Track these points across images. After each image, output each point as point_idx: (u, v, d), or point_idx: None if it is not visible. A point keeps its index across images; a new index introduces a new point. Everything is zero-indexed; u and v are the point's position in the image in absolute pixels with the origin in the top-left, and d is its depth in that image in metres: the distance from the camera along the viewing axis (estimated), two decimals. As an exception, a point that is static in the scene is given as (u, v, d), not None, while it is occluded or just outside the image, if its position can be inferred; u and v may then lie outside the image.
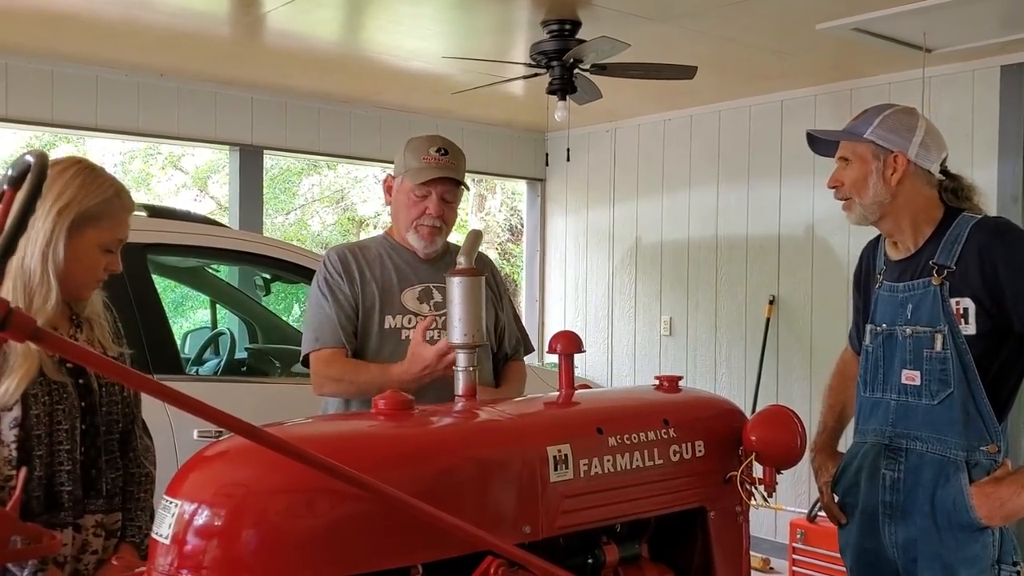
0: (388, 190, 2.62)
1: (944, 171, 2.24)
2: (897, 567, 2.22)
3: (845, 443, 2.44)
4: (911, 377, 2.18)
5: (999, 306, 2.08)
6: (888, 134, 2.19)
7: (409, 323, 2.50)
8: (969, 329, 2.10)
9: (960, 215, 2.18)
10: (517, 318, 2.79)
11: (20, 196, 1.27)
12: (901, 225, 2.23)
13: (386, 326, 2.49)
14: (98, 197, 1.85)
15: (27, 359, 1.77)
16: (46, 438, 1.81)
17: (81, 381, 1.89)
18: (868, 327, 2.31)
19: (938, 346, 2.13)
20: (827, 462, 2.40)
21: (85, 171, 1.87)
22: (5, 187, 1.35)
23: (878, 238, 2.38)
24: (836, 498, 2.36)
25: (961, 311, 2.10)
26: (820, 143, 2.34)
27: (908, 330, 2.19)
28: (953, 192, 2.22)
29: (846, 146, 2.25)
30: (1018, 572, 2.13)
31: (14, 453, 1.77)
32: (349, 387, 2.44)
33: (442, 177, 2.48)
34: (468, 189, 2.65)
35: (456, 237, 2.62)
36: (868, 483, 2.26)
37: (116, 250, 1.92)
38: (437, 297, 2.52)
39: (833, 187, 2.27)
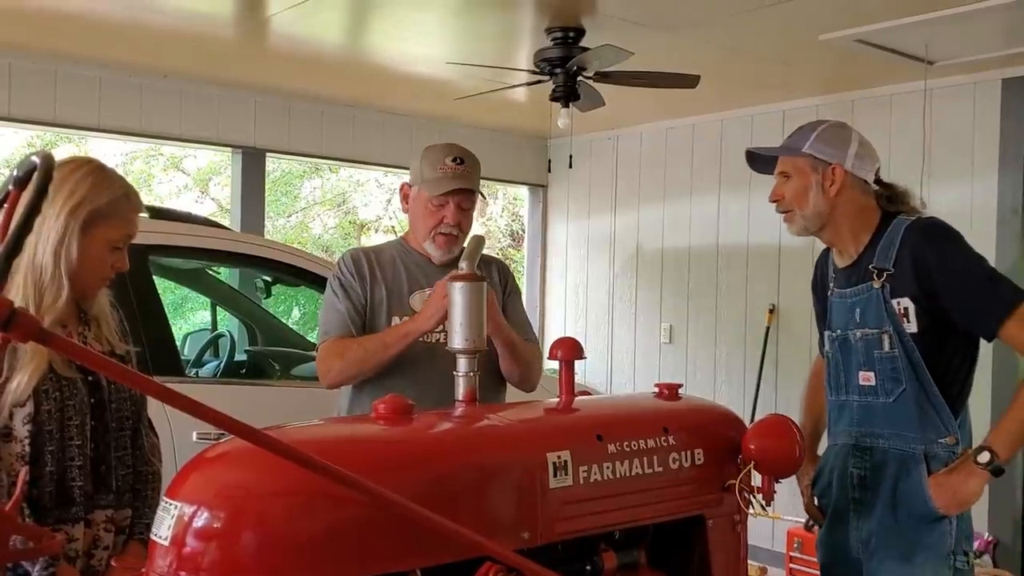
0: (404, 198, 2.64)
1: (878, 180, 2.33)
2: (860, 559, 2.29)
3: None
4: (867, 378, 2.26)
5: (936, 303, 2.16)
6: (825, 147, 2.27)
7: None
8: (912, 327, 2.18)
9: (895, 218, 2.26)
10: (525, 316, 2.78)
11: (26, 197, 1.27)
12: (841, 234, 2.31)
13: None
14: (108, 196, 1.88)
15: (36, 355, 1.79)
16: (57, 434, 1.83)
17: (90, 378, 1.91)
18: (827, 334, 2.40)
19: (886, 346, 2.21)
20: (807, 466, 2.46)
21: (96, 171, 1.90)
22: (11, 188, 1.36)
23: (828, 248, 2.45)
24: (816, 500, 2.45)
25: (902, 311, 2.19)
26: (758, 161, 2.43)
27: (859, 333, 2.27)
28: (888, 199, 2.31)
29: (785, 161, 2.33)
30: (968, 561, 2.20)
31: (27, 449, 1.79)
32: (356, 353, 2.43)
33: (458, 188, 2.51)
34: (484, 198, 2.67)
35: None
36: (839, 482, 2.35)
37: (124, 247, 1.95)
38: None
39: (774, 201, 2.35)
